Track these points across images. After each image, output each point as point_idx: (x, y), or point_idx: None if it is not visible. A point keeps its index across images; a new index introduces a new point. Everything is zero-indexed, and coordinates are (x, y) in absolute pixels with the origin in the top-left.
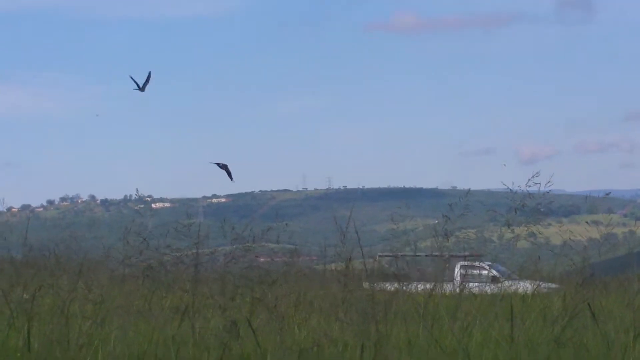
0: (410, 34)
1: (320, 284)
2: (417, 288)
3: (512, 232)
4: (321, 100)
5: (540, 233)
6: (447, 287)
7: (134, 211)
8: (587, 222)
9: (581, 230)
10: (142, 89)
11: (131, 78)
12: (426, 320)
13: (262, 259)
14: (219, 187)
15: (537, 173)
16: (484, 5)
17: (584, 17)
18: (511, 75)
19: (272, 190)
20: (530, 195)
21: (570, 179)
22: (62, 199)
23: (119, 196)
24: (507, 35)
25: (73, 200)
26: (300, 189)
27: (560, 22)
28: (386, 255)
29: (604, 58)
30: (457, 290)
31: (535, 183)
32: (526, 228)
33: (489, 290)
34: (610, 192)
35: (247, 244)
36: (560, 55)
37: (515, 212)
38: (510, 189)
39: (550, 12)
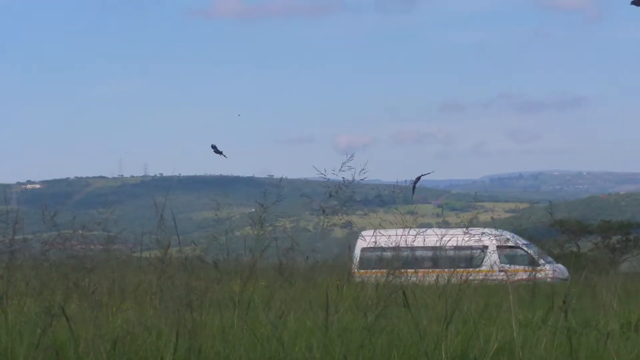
0: (233, 20)
1: (135, 272)
2: None
3: (328, 221)
4: (136, 85)
5: (355, 225)
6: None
7: None
8: (400, 212)
9: (396, 220)
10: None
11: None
12: (241, 308)
13: (78, 246)
14: (34, 173)
15: (351, 156)
16: None
17: (404, 7)
18: (332, 63)
19: (87, 177)
20: (345, 183)
21: (386, 168)
22: None
23: None
24: (328, 24)
25: None
26: (117, 176)
27: (380, 11)
28: None
29: (421, 48)
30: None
31: (350, 168)
32: (341, 217)
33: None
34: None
35: (64, 231)
36: (379, 44)
37: (330, 196)
38: (324, 176)
39: (371, 1)
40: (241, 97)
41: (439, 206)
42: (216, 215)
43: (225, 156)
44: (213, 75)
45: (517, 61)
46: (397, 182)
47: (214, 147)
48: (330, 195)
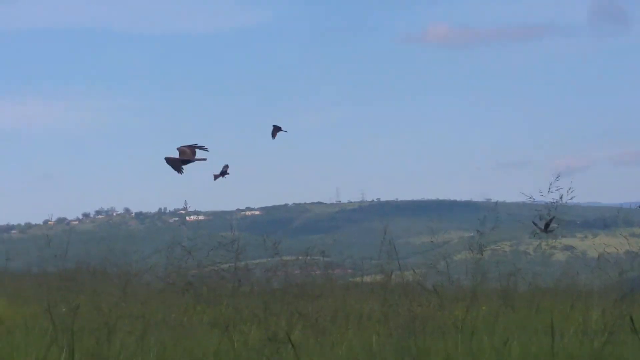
0: (445, 46)
1: (357, 298)
2: None
3: (547, 244)
4: (352, 110)
5: (575, 248)
6: None
7: (168, 224)
8: (623, 235)
9: (617, 243)
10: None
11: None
12: (464, 334)
13: (299, 272)
14: (253, 199)
15: (557, 177)
16: (517, 16)
17: (618, 29)
18: (546, 86)
19: (306, 203)
20: (555, 205)
21: (606, 190)
22: (98, 212)
23: (153, 209)
24: (540, 47)
25: (108, 213)
26: (334, 202)
27: (593, 35)
28: None
29: (637, 69)
30: None
31: (558, 188)
32: (561, 241)
33: None
34: None
35: (285, 257)
36: (595, 66)
37: (540, 219)
38: (533, 199)
39: (584, 23)
40: (455, 121)
41: None
42: (432, 241)
43: (285, 131)
44: (425, 101)
45: None
46: (620, 204)
47: (276, 127)
48: (541, 219)
